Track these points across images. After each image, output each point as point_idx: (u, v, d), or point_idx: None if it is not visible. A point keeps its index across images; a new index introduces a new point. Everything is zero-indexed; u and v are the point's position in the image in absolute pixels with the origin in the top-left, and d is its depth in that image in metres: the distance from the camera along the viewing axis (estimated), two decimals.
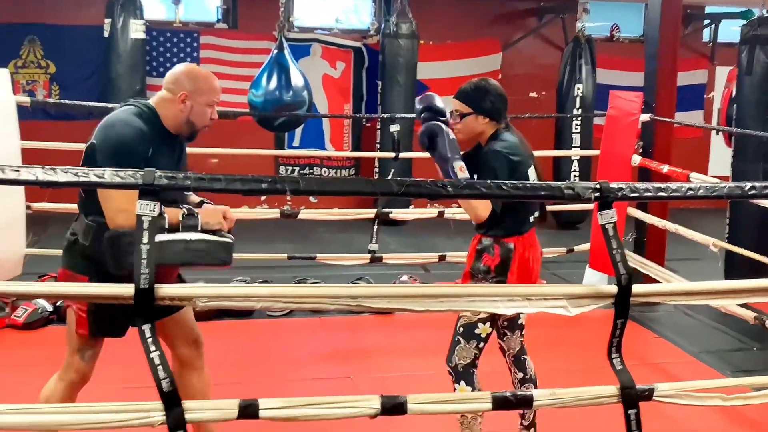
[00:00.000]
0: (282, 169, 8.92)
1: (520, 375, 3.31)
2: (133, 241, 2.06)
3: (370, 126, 8.77)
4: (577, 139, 8.06)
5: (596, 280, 5.34)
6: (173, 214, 2.60)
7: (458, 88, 3.18)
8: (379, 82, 8.33)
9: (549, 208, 7.29)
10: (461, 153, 3.03)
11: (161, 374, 2.07)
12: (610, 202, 2.28)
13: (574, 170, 8.06)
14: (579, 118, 7.99)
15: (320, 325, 4.94)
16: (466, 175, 2.93)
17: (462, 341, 3.05)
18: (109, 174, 2.13)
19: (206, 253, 2.62)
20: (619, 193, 2.27)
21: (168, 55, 8.53)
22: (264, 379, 4.03)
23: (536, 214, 3.17)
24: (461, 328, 3.06)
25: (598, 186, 2.27)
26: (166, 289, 2.09)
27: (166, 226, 2.57)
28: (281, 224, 6.45)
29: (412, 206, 7.02)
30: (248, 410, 2.14)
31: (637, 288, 2.25)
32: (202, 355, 3.06)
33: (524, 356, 3.32)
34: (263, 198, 8.29)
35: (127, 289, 2.07)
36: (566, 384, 2.35)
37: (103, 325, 2.76)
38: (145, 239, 2.05)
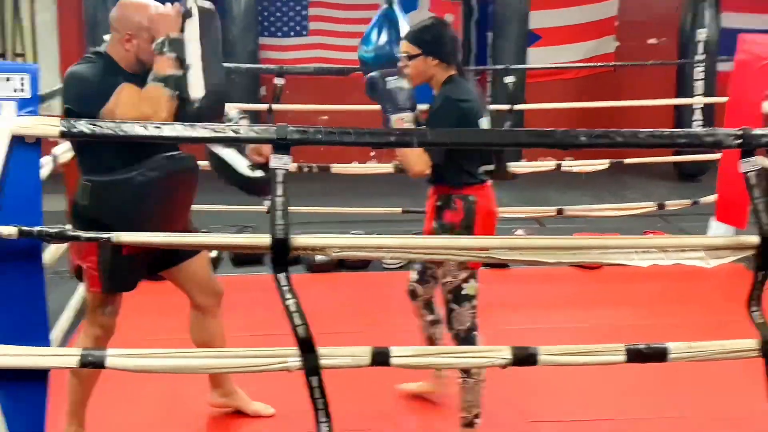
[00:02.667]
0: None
1: (431, 317, 3.22)
2: None
3: (480, 79, 8.64)
4: (700, 86, 7.67)
5: (722, 233, 5.12)
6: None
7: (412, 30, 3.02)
8: (489, 34, 8.16)
9: (672, 158, 7.06)
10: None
11: (297, 321, 2.13)
12: (753, 149, 2.18)
13: (697, 119, 7.69)
14: (702, 65, 7.60)
15: None
16: (408, 126, 2.77)
17: (455, 307, 2.92)
18: (244, 129, 2.20)
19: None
20: (763, 140, 2.16)
21: (278, 14, 8.64)
22: (387, 329, 4.09)
23: (487, 166, 2.95)
24: (450, 295, 2.91)
25: (740, 132, 2.17)
26: (300, 240, 2.14)
27: None
28: (393, 179, 6.49)
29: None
30: (380, 357, 2.19)
31: None
32: (219, 305, 3.09)
33: (432, 298, 3.22)
34: (373, 153, 8.33)
35: (263, 239, 2.13)
36: (691, 338, 2.29)
37: (116, 281, 2.77)
38: (279, 191, 2.10)
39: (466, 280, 2.89)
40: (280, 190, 2.10)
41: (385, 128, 2.76)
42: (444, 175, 2.85)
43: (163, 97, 2.51)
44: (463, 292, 2.90)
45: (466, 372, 2.88)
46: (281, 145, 2.12)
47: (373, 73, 2.86)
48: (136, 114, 2.47)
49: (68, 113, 2.56)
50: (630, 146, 2.18)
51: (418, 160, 2.76)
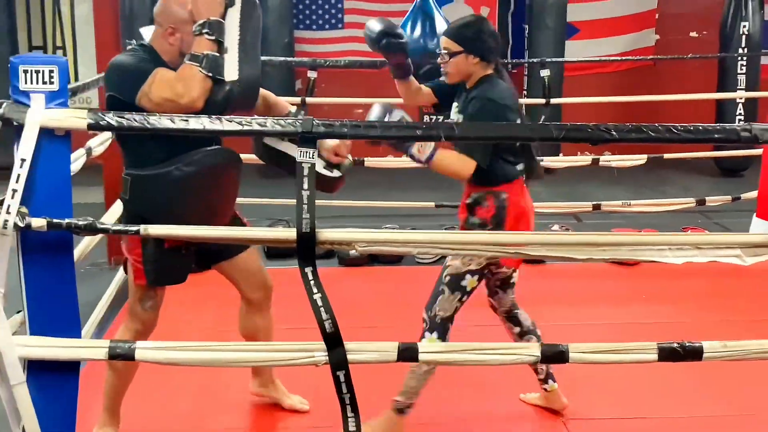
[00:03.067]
0: (425, 118, 8.88)
1: (517, 329, 3.09)
2: None
3: (516, 72, 8.55)
4: (742, 80, 7.50)
5: (764, 230, 5.00)
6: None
7: (452, 27, 2.95)
8: (526, 26, 8.07)
9: (712, 153, 6.92)
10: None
11: (324, 315, 2.13)
12: None
13: (739, 113, 7.52)
14: (745, 58, 7.43)
15: None
16: (428, 151, 2.67)
17: (447, 291, 2.83)
18: (270, 122, 2.19)
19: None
20: None
21: (314, 7, 8.64)
22: (417, 324, 4.06)
23: (522, 165, 2.90)
24: (447, 277, 2.83)
25: None
26: (326, 234, 2.13)
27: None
28: (427, 174, 6.45)
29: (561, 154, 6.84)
30: (407, 353, 2.18)
31: None
32: (270, 298, 3.07)
33: (516, 311, 3.10)
34: None
35: (289, 233, 2.13)
36: (728, 336, 2.25)
37: (161, 274, 2.75)
38: (305, 185, 2.09)
39: (472, 273, 2.82)
40: (305, 184, 2.09)
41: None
42: (480, 173, 2.79)
43: (197, 76, 2.46)
44: (462, 283, 2.83)
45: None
46: (307, 139, 2.11)
47: (369, 118, 2.66)
48: (169, 93, 2.44)
49: (110, 101, 2.56)
50: (664, 141, 2.12)
51: (460, 166, 2.73)
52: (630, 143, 2.24)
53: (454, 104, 2.98)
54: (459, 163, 2.73)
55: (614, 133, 2.12)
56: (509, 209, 2.83)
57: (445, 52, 2.89)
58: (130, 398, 2.95)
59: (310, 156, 2.11)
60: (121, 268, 2.91)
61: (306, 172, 2.09)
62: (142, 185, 2.63)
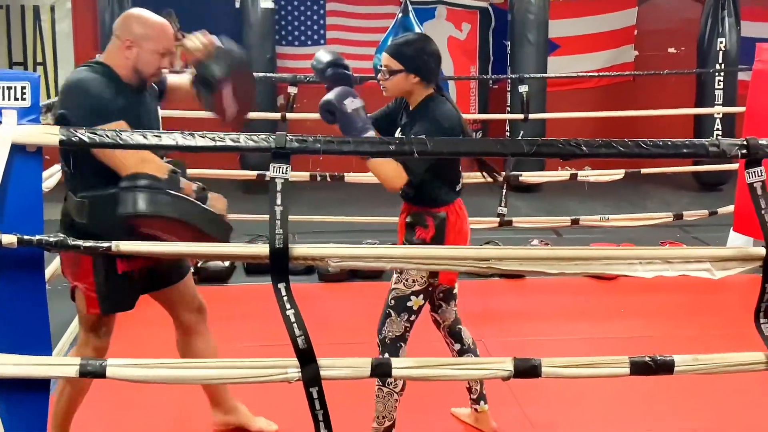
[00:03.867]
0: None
1: (458, 346, 3.08)
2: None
3: (498, 88, 8.62)
4: (720, 95, 7.59)
5: (741, 244, 5.05)
6: (187, 184, 2.56)
7: (392, 44, 2.91)
8: (508, 43, 8.14)
9: (690, 168, 6.97)
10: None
11: (296, 331, 2.12)
12: (759, 159, 2.14)
13: (717, 128, 7.61)
14: (722, 74, 7.52)
15: None
16: None
17: (392, 314, 2.86)
18: (243, 138, 2.19)
19: (211, 222, 2.55)
20: None
21: (296, 23, 8.67)
22: None
23: (461, 183, 2.93)
24: (393, 301, 2.87)
25: (744, 142, 2.14)
26: (299, 249, 2.13)
27: (181, 186, 2.52)
28: None
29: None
30: (380, 369, 2.17)
31: None
32: (205, 320, 3.02)
33: (459, 326, 3.11)
34: None
35: (262, 249, 2.12)
36: (703, 350, 2.26)
37: (115, 302, 2.72)
38: (278, 201, 2.09)
39: (416, 294, 2.85)
40: (278, 200, 2.09)
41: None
42: (420, 191, 2.81)
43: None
44: (408, 304, 2.85)
45: (381, 380, 2.82)
46: (280, 154, 2.11)
47: (328, 97, 2.68)
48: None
49: (61, 119, 2.53)
50: (633, 156, 2.14)
51: (393, 174, 2.71)
52: (601, 158, 2.26)
53: (399, 126, 2.95)
54: (393, 173, 2.70)
55: (584, 148, 2.14)
56: (448, 229, 2.84)
57: (385, 69, 2.86)
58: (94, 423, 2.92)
59: (283, 171, 2.11)
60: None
61: (279, 187, 2.09)
62: (101, 207, 2.56)
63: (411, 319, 2.88)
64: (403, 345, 2.88)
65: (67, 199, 2.69)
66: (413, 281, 2.84)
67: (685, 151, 2.21)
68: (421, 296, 2.86)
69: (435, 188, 2.83)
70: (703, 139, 2.25)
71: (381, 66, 2.90)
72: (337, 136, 2.23)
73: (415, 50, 2.85)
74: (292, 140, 2.13)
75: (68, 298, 4.33)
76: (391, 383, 2.84)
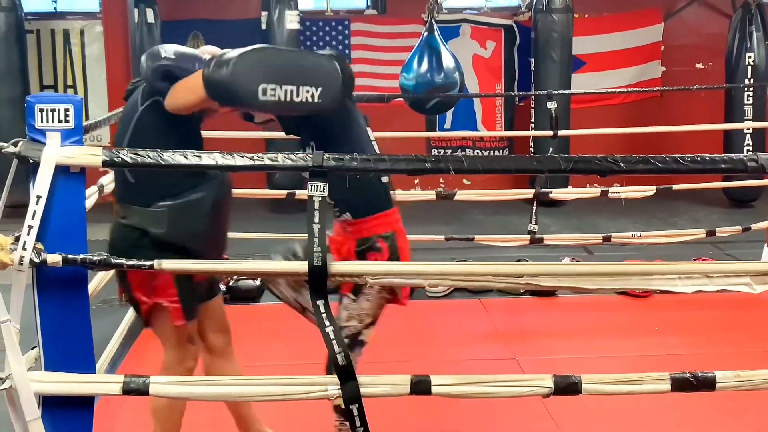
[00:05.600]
0: (434, 152, 8.94)
1: None
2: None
3: (523, 105, 8.62)
4: (749, 111, 7.54)
5: None
6: None
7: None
8: (532, 60, 8.16)
9: (722, 184, 6.89)
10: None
11: (336, 348, 2.13)
12: None
13: (748, 144, 7.54)
14: (751, 89, 7.47)
15: (480, 306, 4.91)
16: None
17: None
18: (281, 157, 2.22)
19: None
20: None
21: (321, 44, 8.75)
22: (428, 358, 4.06)
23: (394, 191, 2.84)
24: (347, 340, 2.62)
25: None
26: (337, 267, 2.15)
27: None
28: (436, 206, 6.46)
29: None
30: (420, 386, 2.17)
31: None
32: (230, 342, 3.00)
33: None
34: (416, 181, 8.35)
35: (301, 266, 2.14)
36: (741, 367, 2.25)
37: (193, 307, 2.74)
38: (316, 219, 2.11)
39: (367, 327, 2.76)
40: (316, 218, 2.11)
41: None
42: (355, 204, 2.71)
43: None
44: (360, 338, 2.75)
45: (342, 416, 2.56)
46: (318, 173, 2.14)
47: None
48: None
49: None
50: (671, 172, 2.14)
51: (187, 92, 2.53)
52: (638, 174, 2.26)
53: None
54: (189, 92, 2.53)
55: (622, 164, 2.14)
56: (400, 245, 2.77)
57: None
58: None
59: (321, 190, 2.13)
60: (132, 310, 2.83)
61: (316, 205, 2.11)
62: (180, 214, 2.61)
63: (363, 350, 2.78)
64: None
65: (128, 215, 2.66)
66: (366, 314, 2.74)
67: (723, 166, 2.20)
68: (372, 327, 2.78)
69: (375, 194, 2.73)
70: (741, 154, 2.24)
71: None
72: (373, 155, 2.25)
73: None
74: (329, 159, 2.16)
75: (105, 315, 4.41)
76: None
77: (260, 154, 2.23)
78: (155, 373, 2.38)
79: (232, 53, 2.42)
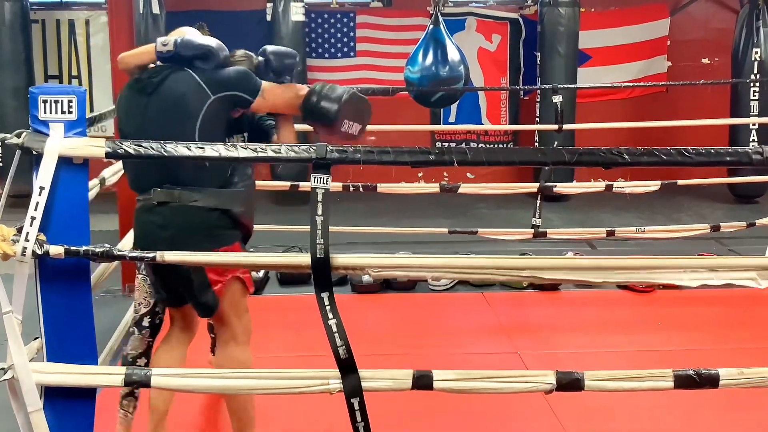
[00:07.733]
0: (438, 145, 8.93)
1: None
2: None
3: (528, 99, 8.60)
4: (755, 106, 7.50)
5: None
6: None
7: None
8: (538, 54, 8.13)
9: (726, 180, 6.87)
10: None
11: (338, 341, 2.12)
12: None
13: (753, 139, 7.51)
14: (757, 84, 7.43)
15: (483, 300, 4.91)
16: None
17: (135, 331, 3.07)
18: (284, 149, 2.21)
19: None
20: None
21: (326, 36, 8.73)
22: (431, 352, 4.06)
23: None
24: (132, 320, 3.11)
25: None
26: (340, 259, 2.13)
27: None
28: (439, 200, 6.45)
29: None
30: (422, 381, 2.16)
31: None
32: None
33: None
34: (420, 174, 8.34)
35: (304, 259, 2.13)
36: (744, 364, 2.23)
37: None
38: (319, 211, 2.10)
39: (144, 315, 3.06)
40: (320, 210, 2.09)
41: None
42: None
43: None
44: (143, 323, 3.06)
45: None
46: (321, 165, 2.12)
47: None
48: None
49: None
50: (676, 164, 2.12)
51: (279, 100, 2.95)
52: (642, 167, 2.24)
53: None
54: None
55: (626, 156, 2.13)
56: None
57: None
58: None
59: (324, 182, 2.12)
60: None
61: (320, 198, 2.10)
62: (249, 194, 2.91)
63: (150, 336, 3.06)
64: (147, 360, 3.02)
65: (203, 196, 2.71)
66: (139, 304, 3.07)
67: (728, 159, 2.19)
68: (148, 318, 3.06)
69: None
70: (746, 147, 2.23)
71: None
72: (377, 147, 2.24)
73: None
74: (333, 151, 2.14)
75: (107, 306, 4.41)
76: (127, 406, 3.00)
77: (263, 146, 2.23)
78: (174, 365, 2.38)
79: (341, 91, 2.90)
